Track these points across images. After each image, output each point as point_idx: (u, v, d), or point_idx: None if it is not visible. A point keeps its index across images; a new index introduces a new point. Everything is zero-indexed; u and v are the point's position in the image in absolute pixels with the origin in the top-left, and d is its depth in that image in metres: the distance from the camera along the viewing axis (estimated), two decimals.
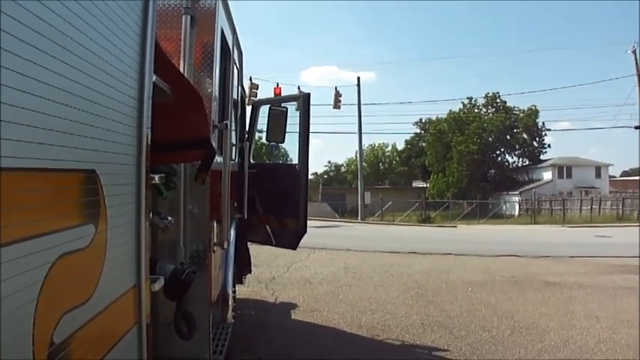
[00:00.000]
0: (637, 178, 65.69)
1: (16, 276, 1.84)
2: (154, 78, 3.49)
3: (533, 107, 77.89)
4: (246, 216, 7.96)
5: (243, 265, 8.98)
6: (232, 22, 6.75)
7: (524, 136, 79.67)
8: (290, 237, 9.11)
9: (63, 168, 2.27)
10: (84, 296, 2.45)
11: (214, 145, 5.14)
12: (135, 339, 3.17)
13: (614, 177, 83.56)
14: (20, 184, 1.92)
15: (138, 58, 3.22)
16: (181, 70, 5.00)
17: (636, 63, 46.91)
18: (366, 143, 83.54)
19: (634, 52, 46.78)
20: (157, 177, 4.14)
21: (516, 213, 63.38)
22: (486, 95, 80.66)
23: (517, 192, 70.34)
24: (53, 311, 2.15)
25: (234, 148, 7.51)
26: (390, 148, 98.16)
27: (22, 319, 1.92)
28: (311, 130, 8.80)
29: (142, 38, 3.26)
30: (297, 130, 8.66)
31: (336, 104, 48.25)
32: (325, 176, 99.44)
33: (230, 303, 6.81)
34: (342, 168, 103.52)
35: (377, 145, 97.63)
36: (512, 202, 67.54)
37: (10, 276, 1.81)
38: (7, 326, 1.80)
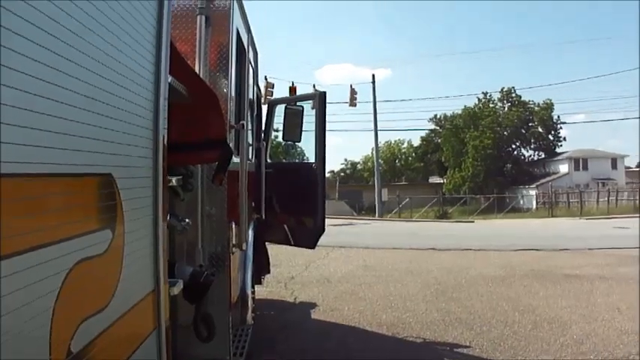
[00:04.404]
0: None
1: (32, 284, 1.81)
2: (170, 79, 3.46)
3: (548, 101, 77.66)
4: (264, 216, 7.92)
5: (261, 266, 8.95)
6: (247, 21, 6.72)
7: (540, 129, 79.32)
8: (308, 236, 9.08)
9: (78, 173, 2.24)
10: (102, 303, 2.42)
11: (231, 145, 5.11)
12: (154, 344, 3.15)
13: (630, 168, 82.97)
14: (35, 190, 1.89)
15: (153, 60, 3.19)
16: (197, 70, 4.97)
17: None
18: (382, 140, 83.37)
19: None
20: (174, 179, 4.12)
21: (534, 207, 63.13)
22: (502, 90, 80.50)
23: (534, 185, 70.06)
24: (70, 319, 2.12)
25: (250, 148, 7.48)
26: (405, 144, 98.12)
27: (38, 327, 1.88)
28: (327, 129, 8.77)
29: (157, 39, 3.23)
30: (314, 129, 8.62)
31: (352, 102, 48.25)
32: (342, 174, 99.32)
33: (249, 304, 6.78)
34: (359, 165, 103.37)
35: (393, 141, 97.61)
36: (530, 196, 67.31)
37: (26, 284, 1.78)
38: (23, 335, 1.77)
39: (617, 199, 55.28)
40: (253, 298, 7.77)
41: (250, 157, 7.42)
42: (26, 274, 1.76)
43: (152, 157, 3.14)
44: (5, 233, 1.64)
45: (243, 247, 5.90)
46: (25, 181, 1.79)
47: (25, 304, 1.76)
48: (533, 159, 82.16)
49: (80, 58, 2.21)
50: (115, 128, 2.61)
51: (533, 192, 68.12)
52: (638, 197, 53.68)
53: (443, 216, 54.68)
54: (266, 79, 37.18)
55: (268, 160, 9.03)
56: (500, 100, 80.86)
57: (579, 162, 74.57)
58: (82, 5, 2.23)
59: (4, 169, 1.64)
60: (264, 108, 10.00)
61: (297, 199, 8.86)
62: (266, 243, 9.40)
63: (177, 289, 3.77)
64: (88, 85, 2.29)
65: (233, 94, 5.58)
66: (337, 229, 27.50)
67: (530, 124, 78.91)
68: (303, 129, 8.87)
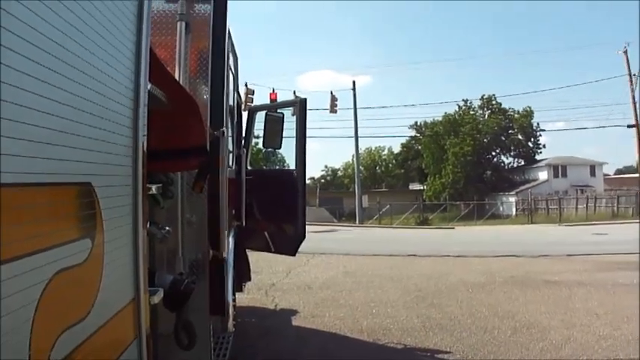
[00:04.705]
0: (631, 175, 65.88)
1: (10, 295, 1.78)
2: (149, 86, 3.43)
3: (528, 108, 78.32)
4: (244, 223, 7.89)
5: (242, 273, 8.89)
6: (227, 27, 6.69)
7: (520, 136, 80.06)
8: (289, 243, 9.04)
9: (57, 182, 2.21)
10: (82, 313, 2.39)
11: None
12: (135, 353, 3.11)
13: (609, 175, 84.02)
14: (13, 200, 1.85)
15: (132, 66, 3.16)
16: (177, 77, 4.94)
17: (627, 63, 47.49)
18: (362, 147, 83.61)
19: (625, 52, 47.40)
20: (153, 187, 4.08)
21: (513, 213, 63.45)
22: (482, 97, 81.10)
23: (513, 192, 70.52)
24: (50, 330, 2.09)
25: (231, 154, 7.45)
26: (386, 151, 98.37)
27: (17, 339, 1.85)
28: (308, 135, 8.74)
29: (137, 45, 3.20)
30: (294, 136, 8.60)
31: (333, 108, 48.36)
32: (322, 181, 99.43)
33: (230, 312, 6.74)
34: (339, 172, 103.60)
35: (373, 148, 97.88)
36: (509, 203, 67.73)
37: (5, 295, 1.74)
38: (2, 347, 1.74)
39: (595, 206, 55.97)
40: (234, 306, 7.75)
41: (230, 163, 7.40)
42: (4, 285, 1.73)
43: (131, 164, 3.11)
44: None
45: (224, 255, 5.87)
46: (1, 191, 1.76)
47: (4, 316, 1.73)
48: (512, 166, 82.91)
49: (57, 65, 2.18)
50: (93, 136, 2.57)
51: (512, 198, 68.56)
52: (616, 204, 54.42)
53: (423, 222, 54.81)
54: (246, 85, 37.18)
55: (249, 167, 8.98)
56: (480, 107, 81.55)
57: (558, 169, 75.33)
58: (60, 11, 2.20)
59: None
60: (245, 115, 9.97)
61: (278, 205, 8.82)
62: (246, 250, 9.36)
63: (157, 298, 3.74)
64: (66, 93, 2.26)
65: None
66: (318, 235, 27.52)
67: (510, 132, 79.58)
68: (284, 136, 8.85)
